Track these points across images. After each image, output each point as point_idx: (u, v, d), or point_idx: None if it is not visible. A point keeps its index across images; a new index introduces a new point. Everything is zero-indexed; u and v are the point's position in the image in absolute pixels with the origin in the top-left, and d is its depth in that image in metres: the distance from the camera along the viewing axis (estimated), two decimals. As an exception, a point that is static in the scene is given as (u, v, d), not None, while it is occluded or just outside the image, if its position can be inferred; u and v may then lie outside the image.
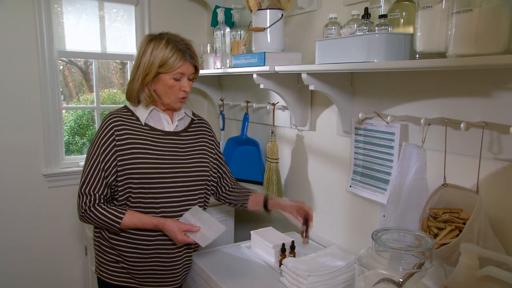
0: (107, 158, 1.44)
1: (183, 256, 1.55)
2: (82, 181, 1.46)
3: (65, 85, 2.64)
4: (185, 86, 1.47)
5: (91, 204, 1.44)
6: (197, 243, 1.49)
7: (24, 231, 2.40)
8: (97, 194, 1.44)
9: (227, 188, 1.74)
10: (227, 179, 1.74)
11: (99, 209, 1.43)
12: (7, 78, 2.26)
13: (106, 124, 1.46)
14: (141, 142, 1.47)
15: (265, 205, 1.65)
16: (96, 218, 1.43)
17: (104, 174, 1.44)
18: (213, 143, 1.66)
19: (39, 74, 2.32)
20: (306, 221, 1.55)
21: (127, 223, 1.43)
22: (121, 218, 1.42)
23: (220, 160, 1.71)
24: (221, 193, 1.74)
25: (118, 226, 1.43)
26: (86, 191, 1.44)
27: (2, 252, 2.35)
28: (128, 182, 1.44)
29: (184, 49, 1.45)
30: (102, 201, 1.45)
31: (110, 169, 1.44)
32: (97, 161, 1.44)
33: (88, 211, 1.44)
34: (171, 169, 1.48)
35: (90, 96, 2.69)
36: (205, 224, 1.48)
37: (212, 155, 1.64)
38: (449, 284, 1.02)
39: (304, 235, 1.55)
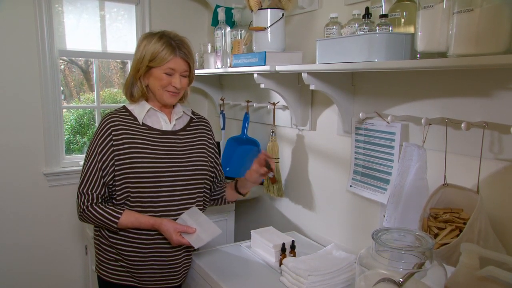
0: (104, 158, 1.44)
1: (182, 255, 1.55)
2: (80, 181, 1.46)
3: (66, 85, 2.64)
4: (176, 82, 1.46)
5: (89, 203, 1.44)
6: None
7: (24, 230, 2.40)
8: (95, 194, 1.44)
9: (216, 188, 1.72)
10: (218, 180, 1.72)
11: (97, 208, 1.44)
12: (7, 77, 2.26)
13: (104, 125, 1.47)
14: (138, 142, 1.47)
15: (236, 189, 1.67)
16: (94, 218, 1.44)
17: (102, 173, 1.44)
18: (212, 142, 1.66)
19: (39, 73, 2.32)
20: (268, 164, 1.56)
21: (125, 223, 1.44)
22: (118, 218, 1.43)
23: (216, 160, 1.70)
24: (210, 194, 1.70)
25: (116, 225, 1.43)
26: (84, 191, 1.44)
27: (2, 251, 2.35)
28: (126, 182, 1.44)
29: (175, 45, 1.45)
30: (100, 201, 1.46)
31: (108, 168, 1.44)
32: (94, 161, 1.44)
33: (86, 211, 1.44)
34: (168, 169, 1.48)
35: (90, 95, 2.69)
36: (201, 226, 1.47)
37: (210, 154, 1.64)
38: (449, 284, 1.02)
39: (270, 176, 1.58)
